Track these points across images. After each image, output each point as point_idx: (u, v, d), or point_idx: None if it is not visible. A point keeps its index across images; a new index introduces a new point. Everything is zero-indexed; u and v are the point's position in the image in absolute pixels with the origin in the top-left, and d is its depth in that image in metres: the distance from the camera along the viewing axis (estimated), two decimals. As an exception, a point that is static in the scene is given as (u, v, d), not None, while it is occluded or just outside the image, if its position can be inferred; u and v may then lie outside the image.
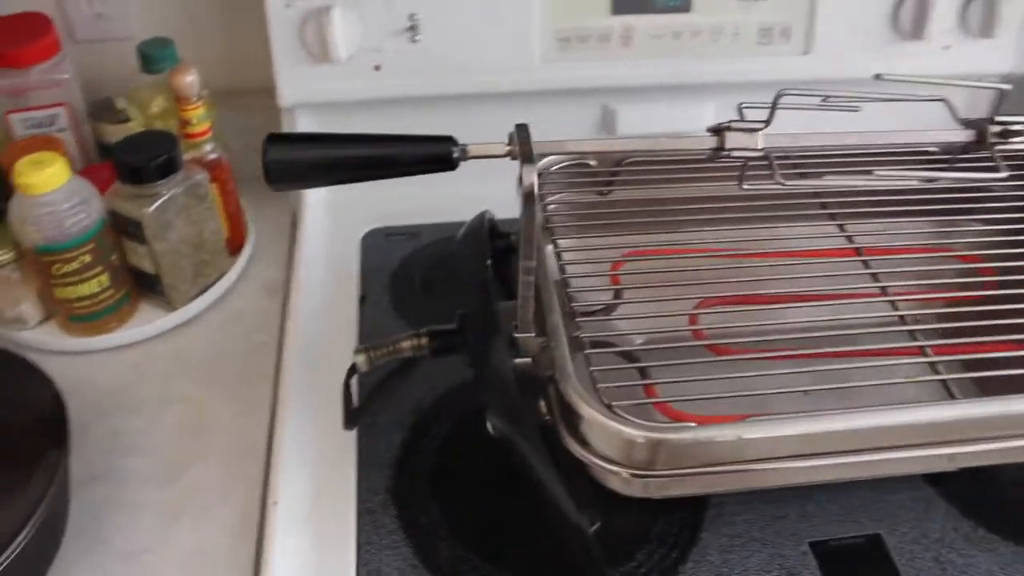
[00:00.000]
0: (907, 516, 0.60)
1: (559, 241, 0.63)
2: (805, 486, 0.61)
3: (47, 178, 0.67)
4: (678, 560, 0.58)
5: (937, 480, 0.62)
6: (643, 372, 0.55)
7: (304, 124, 0.84)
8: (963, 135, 0.59)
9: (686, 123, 0.86)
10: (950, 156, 0.65)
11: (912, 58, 0.87)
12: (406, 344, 0.59)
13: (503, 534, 0.60)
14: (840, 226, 0.62)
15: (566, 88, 0.86)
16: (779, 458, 0.50)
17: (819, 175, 0.59)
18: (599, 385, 0.50)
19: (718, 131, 0.52)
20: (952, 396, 0.54)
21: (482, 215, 0.62)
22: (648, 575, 0.57)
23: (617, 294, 0.63)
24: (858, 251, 0.60)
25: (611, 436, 0.49)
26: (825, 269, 0.60)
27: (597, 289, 0.64)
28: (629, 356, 0.57)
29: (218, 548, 0.61)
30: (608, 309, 0.63)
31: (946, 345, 0.55)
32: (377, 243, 0.86)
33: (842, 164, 0.63)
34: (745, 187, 0.53)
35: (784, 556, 0.58)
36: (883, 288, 0.58)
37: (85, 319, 0.74)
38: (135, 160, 0.70)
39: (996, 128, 0.60)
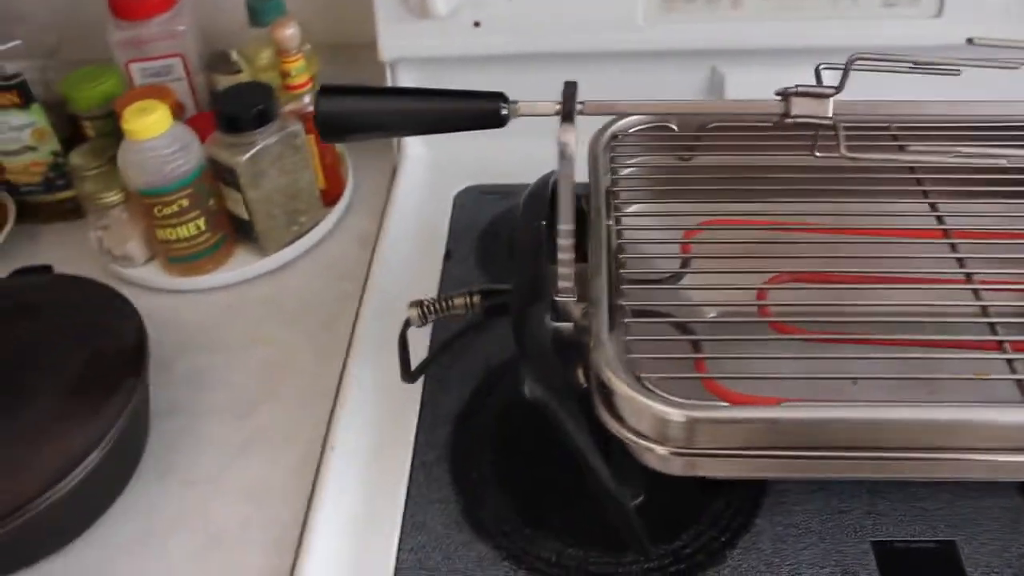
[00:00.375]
0: (989, 526, 0.55)
1: (623, 206, 0.61)
2: (874, 481, 0.58)
3: (149, 125, 0.70)
4: (726, 544, 0.56)
5: (1030, 491, 0.57)
6: (696, 346, 0.53)
7: (405, 79, 0.85)
8: (1081, 107, 0.53)
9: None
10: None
11: (1061, 22, 0.77)
12: (459, 301, 0.59)
13: (552, 501, 0.59)
14: (932, 205, 0.57)
15: (671, 49, 0.83)
16: (822, 447, 0.47)
17: (911, 149, 0.54)
18: (631, 356, 0.48)
19: (785, 95, 0.48)
20: (1033, 398, 0.48)
21: (548, 175, 0.60)
22: (693, 556, 0.56)
23: (684, 263, 0.60)
24: (945, 233, 0.55)
25: (640, 410, 0.47)
26: (906, 250, 0.55)
27: (664, 257, 0.61)
28: (683, 328, 0.55)
29: (276, 485, 0.63)
30: (674, 278, 0.60)
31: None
32: (470, 200, 0.86)
33: (942, 138, 0.57)
34: (817, 155, 0.50)
35: (842, 552, 0.55)
36: (968, 275, 0.52)
37: (183, 260, 0.78)
38: (231, 110, 0.73)
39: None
